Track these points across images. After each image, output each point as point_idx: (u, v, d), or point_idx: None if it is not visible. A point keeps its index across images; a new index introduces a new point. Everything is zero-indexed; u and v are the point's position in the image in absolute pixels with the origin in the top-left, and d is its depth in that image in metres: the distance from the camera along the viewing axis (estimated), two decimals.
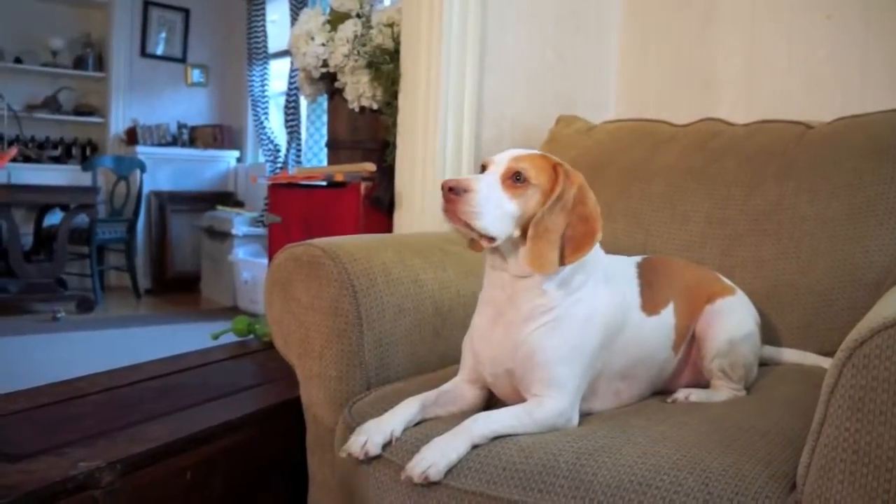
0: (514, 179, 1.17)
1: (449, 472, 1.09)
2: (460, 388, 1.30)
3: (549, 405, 1.17)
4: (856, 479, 0.88)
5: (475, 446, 1.11)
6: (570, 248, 1.17)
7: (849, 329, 0.95)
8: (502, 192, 1.16)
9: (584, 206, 1.19)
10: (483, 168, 1.22)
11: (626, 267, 1.38)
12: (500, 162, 1.19)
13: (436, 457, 1.08)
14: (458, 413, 1.26)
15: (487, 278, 1.27)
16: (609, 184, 1.93)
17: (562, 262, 1.17)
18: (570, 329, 1.20)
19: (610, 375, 1.27)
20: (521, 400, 1.21)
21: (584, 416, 1.23)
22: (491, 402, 1.32)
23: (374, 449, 1.15)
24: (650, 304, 1.34)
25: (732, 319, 1.38)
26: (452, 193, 1.13)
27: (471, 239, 1.24)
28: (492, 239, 1.16)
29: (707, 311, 1.38)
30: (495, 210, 1.14)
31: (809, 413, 0.97)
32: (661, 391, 1.39)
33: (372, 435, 1.16)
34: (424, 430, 1.19)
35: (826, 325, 1.59)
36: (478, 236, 1.16)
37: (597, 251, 1.28)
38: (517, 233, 1.18)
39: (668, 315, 1.36)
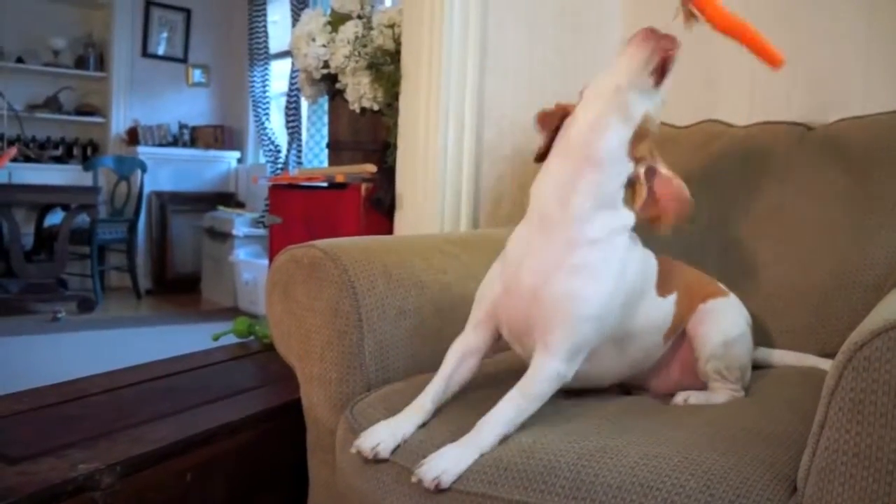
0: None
1: None
2: (466, 350, 1.28)
3: (549, 368, 1.16)
4: (856, 482, 0.88)
5: (482, 455, 1.11)
6: (666, 215, 1.24)
7: (849, 331, 0.94)
8: None
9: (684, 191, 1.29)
10: None
11: (647, 251, 1.39)
12: None
13: (448, 464, 1.08)
14: (457, 404, 1.26)
15: (539, 185, 1.26)
16: None
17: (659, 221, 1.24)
18: (606, 281, 1.19)
19: (612, 338, 1.26)
20: (530, 337, 1.21)
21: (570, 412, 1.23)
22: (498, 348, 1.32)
23: (385, 453, 1.15)
24: (662, 287, 1.35)
25: (725, 320, 1.38)
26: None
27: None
28: (657, 83, 1.22)
29: (700, 309, 1.38)
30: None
31: (810, 415, 0.97)
32: (642, 387, 1.40)
33: (384, 439, 1.16)
34: (430, 432, 1.19)
35: (826, 327, 1.59)
36: (652, 70, 1.21)
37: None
38: (642, 114, 1.22)
39: (671, 302, 1.36)
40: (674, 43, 1.22)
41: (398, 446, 1.16)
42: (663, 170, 1.25)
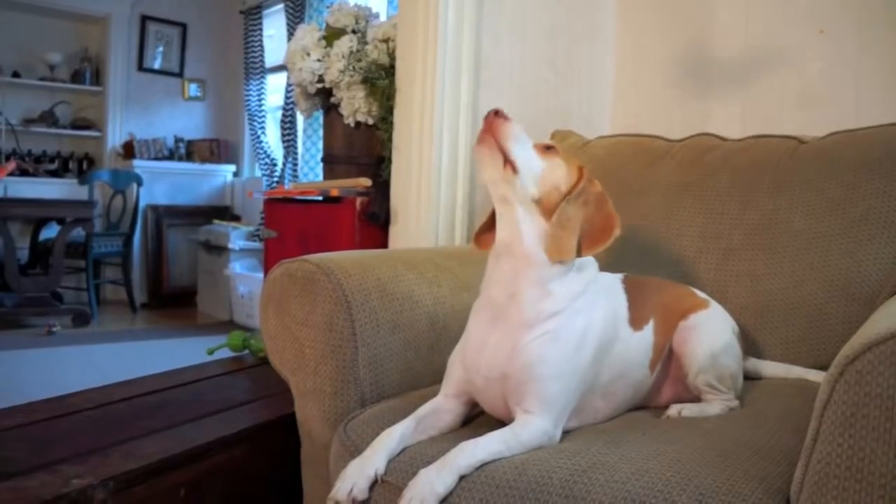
0: (545, 148, 1.24)
1: None
2: (441, 408, 1.29)
3: (536, 425, 1.17)
4: (849, 496, 0.88)
5: (462, 477, 1.10)
6: (588, 241, 1.21)
7: (842, 343, 0.95)
8: (533, 150, 1.22)
9: (605, 204, 1.25)
10: None
11: (614, 281, 1.39)
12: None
13: (424, 493, 1.07)
14: (439, 436, 1.25)
15: (488, 278, 1.27)
16: None
17: (579, 253, 1.21)
18: (569, 342, 1.21)
19: (593, 391, 1.27)
20: (508, 411, 1.21)
21: (564, 432, 1.22)
22: (471, 415, 1.32)
23: (362, 495, 1.14)
24: (636, 319, 1.35)
25: (708, 333, 1.39)
26: (496, 115, 1.19)
27: (477, 233, 1.31)
28: (515, 170, 1.19)
29: (681, 327, 1.39)
30: (526, 154, 1.21)
31: (803, 428, 0.97)
32: (641, 408, 1.40)
33: (357, 480, 1.15)
34: (419, 448, 1.20)
35: (820, 340, 1.59)
36: (503, 164, 1.19)
37: (594, 263, 1.30)
38: (535, 194, 1.21)
39: (648, 332, 1.37)
40: (497, 121, 1.19)
41: (375, 482, 1.15)
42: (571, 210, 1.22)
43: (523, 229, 1.21)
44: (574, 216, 1.21)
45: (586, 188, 1.24)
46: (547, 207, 1.21)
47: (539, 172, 1.21)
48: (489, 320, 1.25)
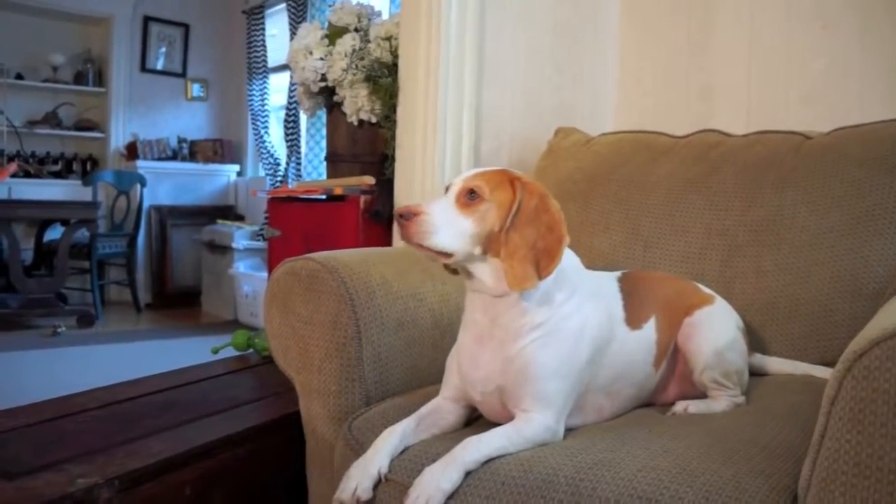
0: (468, 197, 1.18)
1: None
2: (441, 408, 1.29)
3: (537, 421, 1.17)
4: (857, 492, 0.88)
5: (468, 473, 1.10)
6: (545, 260, 1.17)
7: (849, 340, 0.94)
8: (456, 212, 1.17)
9: (547, 214, 1.19)
10: (447, 191, 1.22)
11: (607, 281, 1.38)
12: (457, 183, 1.21)
13: (430, 490, 1.07)
14: (441, 435, 1.25)
15: (468, 301, 1.27)
16: (607, 196, 1.93)
17: (539, 276, 1.16)
18: (561, 343, 1.21)
19: (594, 390, 1.27)
20: (509, 416, 1.21)
21: (568, 430, 1.22)
22: (472, 417, 1.32)
23: (366, 494, 1.14)
24: (633, 318, 1.34)
25: (713, 329, 1.38)
26: (403, 219, 1.15)
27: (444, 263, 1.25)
28: (449, 255, 1.17)
29: (686, 323, 1.39)
30: (449, 228, 1.16)
31: (810, 424, 0.96)
32: (647, 405, 1.39)
33: (361, 480, 1.15)
34: (423, 446, 1.20)
35: (826, 336, 1.59)
36: (435, 254, 1.17)
37: (577, 266, 1.29)
38: (478, 250, 1.18)
39: (649, 330, 1.36)
40: (407, 228, 1.16)
41: (379, 481, 1.15)
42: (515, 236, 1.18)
43: (483, 277, 1.20)
44: (519, 242, 1.16)
45: (523, 205, 1.18)
46: (495, 248, 1.18)
47: (470, 232, 1.16)
48: (477, 338, 1.25)
